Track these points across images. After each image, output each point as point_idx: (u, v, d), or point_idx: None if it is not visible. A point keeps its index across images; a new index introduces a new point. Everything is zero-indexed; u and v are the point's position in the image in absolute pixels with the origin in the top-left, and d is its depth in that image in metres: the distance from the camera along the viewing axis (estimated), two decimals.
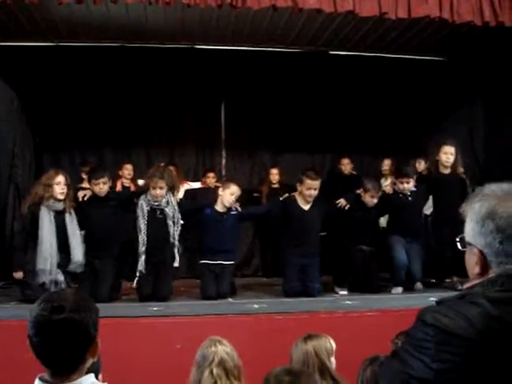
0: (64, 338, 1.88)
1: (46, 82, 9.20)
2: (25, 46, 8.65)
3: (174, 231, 6.60)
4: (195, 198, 8.94)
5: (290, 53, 9.37)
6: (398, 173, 7.27)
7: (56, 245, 6.22)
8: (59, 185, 6.31)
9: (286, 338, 4.88)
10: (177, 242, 6.62)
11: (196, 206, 7.19)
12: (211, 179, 9.08)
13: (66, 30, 8.22)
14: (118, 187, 8.60)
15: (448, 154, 7.06)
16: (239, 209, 6.95)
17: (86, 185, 8.31)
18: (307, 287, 6.69)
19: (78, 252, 6.33)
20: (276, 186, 9.19)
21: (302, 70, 9.68)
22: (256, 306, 5.86)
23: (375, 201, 7.05)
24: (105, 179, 6.65)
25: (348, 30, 8.35)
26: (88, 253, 6.51)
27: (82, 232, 6.60)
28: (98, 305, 2.06)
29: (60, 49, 8.82)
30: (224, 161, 10.07)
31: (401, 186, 7.06)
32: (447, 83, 9.45)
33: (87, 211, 6.67)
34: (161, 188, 6.51)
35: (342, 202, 7.10)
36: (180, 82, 9.52)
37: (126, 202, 6.91)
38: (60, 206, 6.33)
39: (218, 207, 6.84)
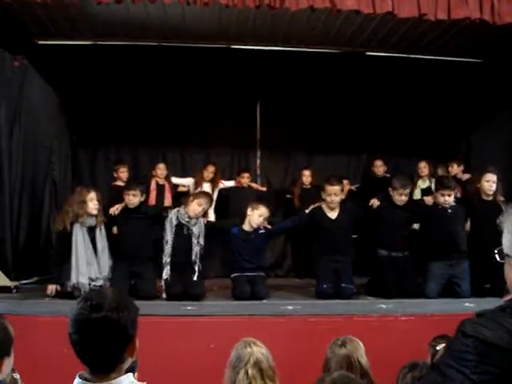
0: (102, 337, 1.89)
1: (84, 81, 9.32)
2: (64, 45, 8.76)
3: (197, 250, 6.73)
4: (228, 197, 9.02)
5: (327, 53, 9.33)
6: (440, 185, 7.08)
7: (89, 259, 6.46)
8: (92, 201, 6.56)
9: (319, 340, 4.86)
10: (198, 261, 6.73)
11: (223, 227, 7.27)
12: (246, 179, 9.11)
13: (105, 30, 8.30)
14: (152, 185, 8.69)
15: (490, 182, 7.00)
16: (268, 226, 7.00)
17: (119, 183, 8.45)
18: (340, 288, 6.66)
19: (105, 267, 6.57)
20: (308, 187, 9.17)
21: (338, 70, 9.64)
22: (290, 307, 5.83)
23: (404, 198, 6.95)
24: (136, 192, 6.87)
25: (386, 31, 8.28)
26: (124, 259, 6.74)
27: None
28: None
29: (98, 48, 8.92)
30: (258, 161, 10.05)
31: (441, 199, 6.89)
32: (485, 86, 9.32)
33: (121, 221, 6.91)
34: (202, 209, 6.84)
35: (373, 201, 7.07)
36: (216, 81, 9.56)
37: (153, 216, 7.03)
38: (92, 222, 6.58)
39: (246, 227, 6.93)
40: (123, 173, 8.69)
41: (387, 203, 7.04)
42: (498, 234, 1.82)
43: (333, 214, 6.93)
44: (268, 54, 9.23)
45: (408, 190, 7.06)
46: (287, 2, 6.33)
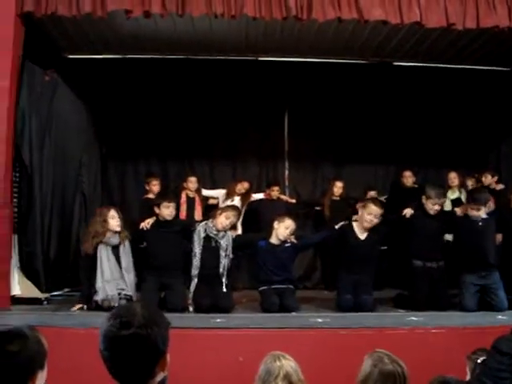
0: (132, 353, 1.89)
1: (113, 94, 9.43)
2: (93, 59, 8.89)
3: (225, 263, 6.75)
4: (257, 210, 9.02)
5: (354, 64, 9.32)
6: (471, 199, 6.97)
7: (115, 275, 6.52)
8: (114, 218, 6.65)
9: (349, 353, 4.84)
10: (226, 273, 6.75)
11: (250, 240, 7.28)
12: (275, 192, 9.12)
13: (133, 43, 8.41)
14: (183, 198, 8.73)
15: None
16: (294, 241, 6.99)
17: (151, 196, 8.49)
18: (361, 300, 6.60)
19: (131, 285, 6.60)
20: (337, 198, 9.16)
21: (365, 81, 9.61)
22: (320, 320, 5.79)
23: (437, 208, 6.87)
24: (173, 204, 7.01)
25: (413, 41, 8.26)
26: (154, 271, 6.77)
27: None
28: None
29: (127, 61, 9.03)
30: (287, 172, 10.04)
31: (471, 213, 6.77)
32: None
33: (151, 234, 6.91)
34: (230, 222, 6.87)
35: (407, 210, 6.98)
36: (244, 93, 9.60)
37: (182, 229, 7.06)
38: (116, 241, 6.64)
39: (273, 240, 6.94)
40: (155, 186, 8.72)
41: (419, 212, 6.96)
42: None
43: (362, 235, 6.88)
44: (295, 65, 9.26)
45: (443, 200, 6.99)
46: (314, 13, 6.35)
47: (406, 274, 7.11)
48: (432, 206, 6.86)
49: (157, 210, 6.93)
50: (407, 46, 8.48)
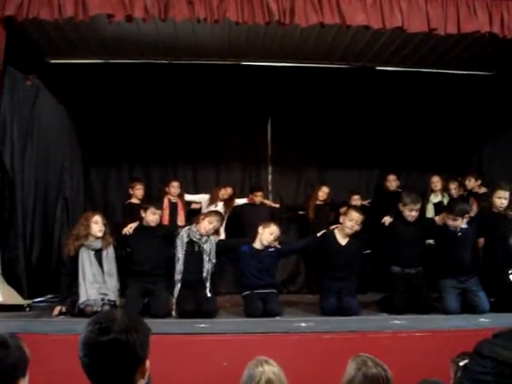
0: (112, 359, 1.89)
1: (96, 99, 9.38)
2: (75, 64, 8.85)
3: (208, 268, 6.75)
4: (240, 214, 9.02)
5: (337, 69, 9.35)
6: (449, 210, 7.04)
7: (98, 279, 6.50)
8: (97, 223, 6.64)
9: (333, 357, 4.84)
10: (209, 278, 6.74)
11: (233, 245, 7.26)
12: (259, 197, 9.12)
13: (116, 48, 8.38)
14: (165, 203, 8.69)
15: (502, 199, 6.98)
16: (278, 246, 7.02)
17: (134, 200, 8.45)
18: (343, 303, 6.62)
19: (113, 291, 6.55)
20: (321, 203, 9.18)
21: (348, 85, 9.65)
22: (303, 324, 5.79)
23: (414, 214, 6.93)
24: (159, 211, 7.03)
25: (395, 46, 8.30)
26: (137, 277, 6.75)
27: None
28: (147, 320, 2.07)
29: (109, 66, 9.00)
30: (270, 177, 10.05)
31: (450, 223, 6.86)
32: (496, 98, 9.29)
33: (134, 240, 6.90)
34: (213, 227, 6.87)
35: (386, 218, 7.08)
36: (226, 98, 9.60)
37: (165, 234, 7.05)
38: (98, 245, 6.63)
39: (257, 245, 6.95)
40: (139, 190, 8.67)
41: (399, 220, 7.03)
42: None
43: (343, 241, 6.97)
44: (278, 70, 9.28)
45: (418, 206, 7.03)
46: (297, 19, 6.35)
47: (385, 282, 7.20)
48: (409, 213, 6.93)
49: (142, 214, 6.92)
50: (389, 51, 8.52)
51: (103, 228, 6.66)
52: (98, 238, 6.62)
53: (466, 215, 6.86)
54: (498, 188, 7.04)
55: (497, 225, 6.95)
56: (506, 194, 6.97)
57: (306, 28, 6.76)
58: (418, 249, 7.12)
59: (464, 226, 6.84)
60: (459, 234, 6.84)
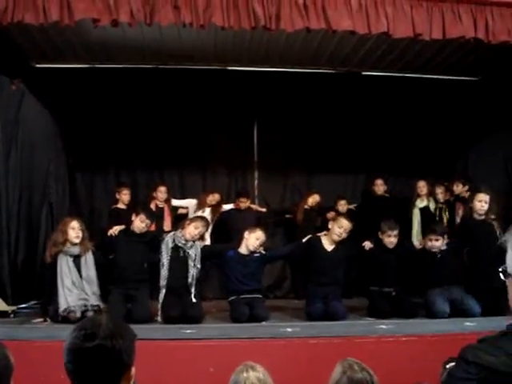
0: (97, 365, 1.86)
1: (81, 104, 9.33)
2: (60, 69, 8.80)
3: (194, 273, 6.74)
4: (227, 220, 9.01)
5: (323, 74, 9.36)
6: (428, 229, 7.24)
7: (77, 284, 6.49)
8: (74, 229, 6.61)
9: (320, 362, 4.83)
10: (194, 283, 6.73)
11: (218, 251, 7.28)
12: (244, 203, 9.09)
13: (101, 53, 8.35)
14: (152, 207, 8.66)
15: (482, 202, 7.03)
16: (263, 252, 7.03)
17: (120, 206, 8.42)
18: (330, 307, 6.65)
19: (93, 297, 6.53)
20: (308, 207, 9.19)
21: (334, 90, 9.67)
22: (289, 329, 5.78)
23: (393, 240, 7.03)
24: (147, 221, 6.99)
25: (381, 51, 8.33)
26: (120, 283, 6.75)
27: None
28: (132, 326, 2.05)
29: (95, 71, 8.96)
30: (256, 182, 10.05)
31: (429, 244, 7.01)
32: (482, 104, 9.35)
33: (118, 244, 6.88)
34: (199, 232, 6.87)
35: (366, 243, 7.15)
36: (212, 103, 9.58)
37: (150, 240, 7.04)
38: (76, 251, 6.60)
39: (242, 250, 6.96)
40: (126, 195, 8.65)
41: (378, 247, 7.12)
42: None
43: (329, 247, 7.04)
44: (264, 75, 9.28)
45: (396, 232, 7.09)
46: (283, 24, 6.34)
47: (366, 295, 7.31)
48: (388, 239, 7.05)
49: (133, 217, 6.93)
50: (375, 56, 8.55)
51: (80, 234, 6.62)
52: (76, 244, 6.58)
53: (445, 236, 7.00)
54: (478, 191, 7.13)
55: (478, 230, 7.01)
56: (487, 197, 7.02)
57: (291, 33, 6.75)
58: (396, 272, 7.19)
59: (443, 247, 6.99)
60: (438, 256, 6.99)
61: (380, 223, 7.12)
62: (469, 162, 9.92)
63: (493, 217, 7.03)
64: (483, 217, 7.04)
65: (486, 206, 7.01)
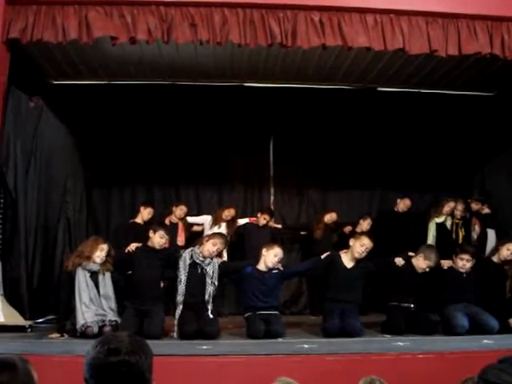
0: (119, 381, 1.85)
1: (98, 120, 9.43)
2: (78, 85, 8.89)
3: (211, 290, 6.72)
4: (242, 234, 9.00)
5: (339, 90, 9.37)
6: (462, 249, 7.32)
7: (95, 299, 6.51)
8: (102, 251, 6.65)
9: (337, 379, 4.81)
10: (211, 300, 6.70)
11: (236, 267, 7.26)
12: (263, 220, 9.01)
13: (119, 69, 8.43)
14: (167, 223, 8.68)
15: (510, 251, 7.17)
16: (281, 268, 7.02)
17: (139, 220, 8.46)
18: (346, 324, 6.61)
19: (108, 312, 6.54)
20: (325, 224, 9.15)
21: (350, 106, 9.69)
22: (306, 346, 5.75)
23: (424, 267, 7.04)
24: (168, 238, 7.10)
25: (397, 67, 8.33)
26: (135, 298, 6.75)
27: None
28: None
29: (112, 87, 9.03)
30: (272, 197, 10.05)
31: (460, 263, 7.08)
32: (497, 119, 9.32)
33: (135, 260, 6.89)
34: (217, 249, 6.85)
35: (398, 260, 7.16)
36: (229, 119, 9.63)
37: (167, 256, 7.03)
38: (95, 268, 6.63)
39: (261, 266, 6.94)
40: (149, 214, 8.69)
41: (407, 266, 7.12)
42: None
43: (349, 264, 7.02)
44: (280, 91, 9.31)
45: (432, 264, 7.07)
46: (299, 41, 6.39)
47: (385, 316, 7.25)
48: (422, 266, 7.04)
49: (151, 234, 6.94)
50: (391, 72, 8.55)
51: (104, 258, 6.65)
52: (96, 263, 6.62)
53: (474, 259, 7.09)
54: (510, 241, 7.27)
55: (493, 275, 7.14)
56: None
57: (307, 50, 6.81)
58: (420, 293, 7.18)
59: (469, 269, 7.08)
60: (464, 275, 7.07)
61: (396, 239, 7.14)
62: (485, 176, 9.87)
63: None
64: (500, 263, 7.20)
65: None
